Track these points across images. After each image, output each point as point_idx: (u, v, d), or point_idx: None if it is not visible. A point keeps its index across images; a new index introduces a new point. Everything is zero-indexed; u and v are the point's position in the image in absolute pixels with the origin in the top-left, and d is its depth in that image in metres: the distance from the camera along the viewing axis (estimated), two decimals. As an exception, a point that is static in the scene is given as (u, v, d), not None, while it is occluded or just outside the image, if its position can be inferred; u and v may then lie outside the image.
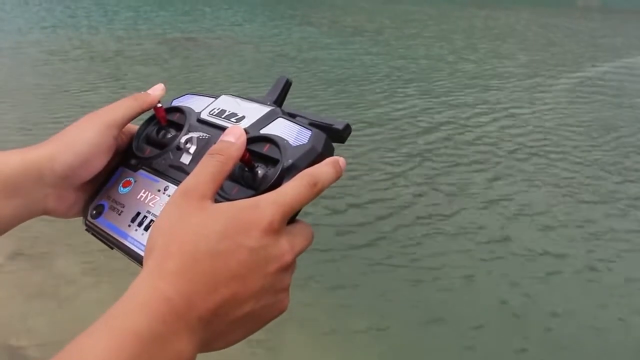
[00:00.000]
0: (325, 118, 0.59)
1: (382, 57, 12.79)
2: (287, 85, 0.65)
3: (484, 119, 8.23)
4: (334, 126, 0.57)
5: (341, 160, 0.53)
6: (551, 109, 9.07)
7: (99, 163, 0.60)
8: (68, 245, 4.39)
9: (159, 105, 0.64)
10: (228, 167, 0.49)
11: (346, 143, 0.58)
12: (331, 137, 0.56)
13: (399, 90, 9.84)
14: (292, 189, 0.48)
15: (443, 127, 7.69)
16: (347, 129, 0.58)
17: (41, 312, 3.78)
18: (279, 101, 0.64)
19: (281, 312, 0.49)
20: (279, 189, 0.49)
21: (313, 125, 0.57)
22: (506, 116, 8.51)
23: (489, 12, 23.08)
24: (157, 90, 0.65)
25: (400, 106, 8.63)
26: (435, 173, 5.98)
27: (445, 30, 17.73)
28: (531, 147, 7.02)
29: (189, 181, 0.48)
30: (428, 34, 16.87)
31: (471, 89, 10.08)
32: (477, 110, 8.67)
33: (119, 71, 10.13)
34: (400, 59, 12.64)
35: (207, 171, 0.48)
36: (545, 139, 7.36)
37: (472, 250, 4.41)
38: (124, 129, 0.63)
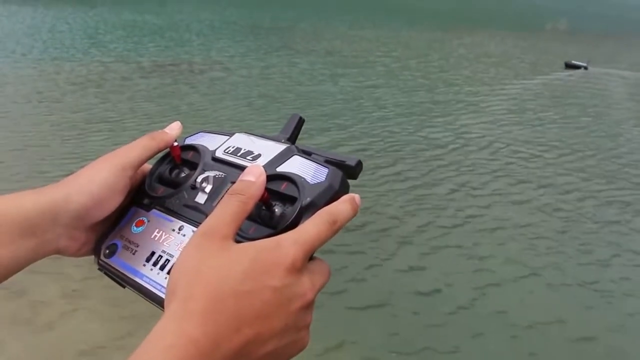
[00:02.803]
0: (337, 155, 0.59)
1: (390, 90, 12.77)
2: (300, 122, 0.66)
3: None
4: (346, 162, 0.58)
5: (357, 197, 0.53)
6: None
7: (113, 203, 0.60)
8: (43, 273, 4.33)
9: (175, 144, 0.63)
10: (249, 207, 0.49)
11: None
12: (344, 173, 0.56)
13: (420, 125, 9.81)
14: (312, 228, 0.49)
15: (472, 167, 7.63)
16: (359, 165, 0.58)
17: (18, 340, 3.72)
18: (292, 138, 0.64)
19: (302, 349, 0.49)
20: (299, 228, 0.49)
21: (328, 162, 0.57)
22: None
23: (479, 39, 23.55)
24: (174, 130, 0.64)
25: (422, 141, 8.56)
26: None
27: (443, 59, 17.93)
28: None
29: (210, 222, 0.48)
30: (429, 62, 17.05)
31: (494, 124, 10.09)
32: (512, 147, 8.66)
33: (114, 106, 9.97)
34: (409, 91, 12.70)
35: (229, 211, 0.49)
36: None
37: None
38: None
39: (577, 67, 18.32)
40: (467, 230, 5.85)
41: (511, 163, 8.07)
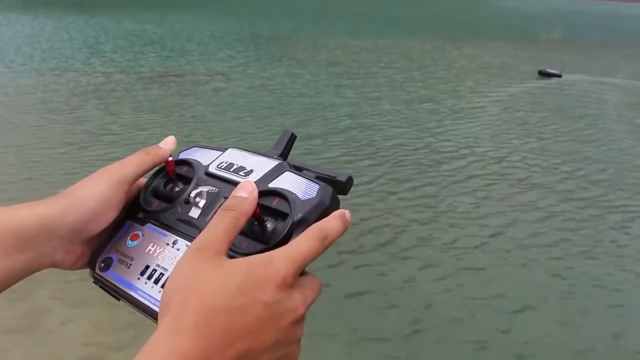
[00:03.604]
0: (328, 170, 0.60)
1: (393, 101, 12.72)
2: (292, 138, 0.67)
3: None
4: (337, 178, 0.59)
5: (347, 213, 0.54)
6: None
7: (109, 217, 0.60)
8: (43, 281, 4.32)
9: (170, 158, 0.64)
10: (241, 222, 0.50)
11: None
12: (334, 189, 0.57)
13: (424, 135, 9.74)
14: (303, 244, 0.49)
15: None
16: (350, 181, 0.59)
17: (18, 348, 3.72)
18: (284, 154, 0.65)
19: None
20: (290, 244, 0.50)
21: (319, 178, 0.58)
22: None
23: (478, 50, 23.61)
24: (168, 144, 0.65)
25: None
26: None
27: (445, 70, 17.96)
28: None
29: (203, 237, 0.49)
30: (431, 73, 17.07)
31: (499, 134, 10.02)
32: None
33: (115, 117, 9.90)
34: (412, 102, 12.68)
35: (222, 227, 0.49)
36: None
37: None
38: None
39: (551, 75, 17.23)
40: (471, 242, 5.84)
41: (516, 172, 8.08)
